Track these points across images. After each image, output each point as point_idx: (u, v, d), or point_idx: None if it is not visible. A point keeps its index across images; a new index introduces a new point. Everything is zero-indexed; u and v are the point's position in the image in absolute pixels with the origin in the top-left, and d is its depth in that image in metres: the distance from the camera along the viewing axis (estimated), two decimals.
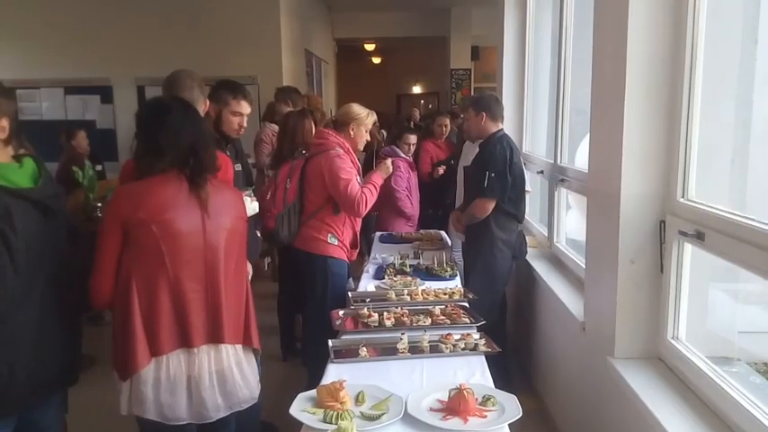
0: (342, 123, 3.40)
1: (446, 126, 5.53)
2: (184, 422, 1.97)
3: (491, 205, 3.42)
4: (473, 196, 3.55)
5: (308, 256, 3.34)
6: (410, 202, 4.79)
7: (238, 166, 2.93)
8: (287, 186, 3.35)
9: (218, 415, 2.02)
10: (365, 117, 3.39)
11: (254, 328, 2.14)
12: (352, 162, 3.33)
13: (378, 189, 3.34)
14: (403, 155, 4.82)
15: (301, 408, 1.91)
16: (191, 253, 1.96)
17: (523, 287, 3.94)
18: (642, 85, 2.13)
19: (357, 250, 3.55)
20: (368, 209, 3.26)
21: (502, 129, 3.58)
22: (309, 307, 3.48)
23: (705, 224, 1.92)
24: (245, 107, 2.84)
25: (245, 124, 2.85)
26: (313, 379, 2.52)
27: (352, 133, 3.36)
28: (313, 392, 1.98)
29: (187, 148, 1.98)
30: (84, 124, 6.64)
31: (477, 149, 3.76)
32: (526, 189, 3.67)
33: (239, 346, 2.09)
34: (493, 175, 3.37)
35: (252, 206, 2.64)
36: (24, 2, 6.80)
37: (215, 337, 2.00)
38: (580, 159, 3.50)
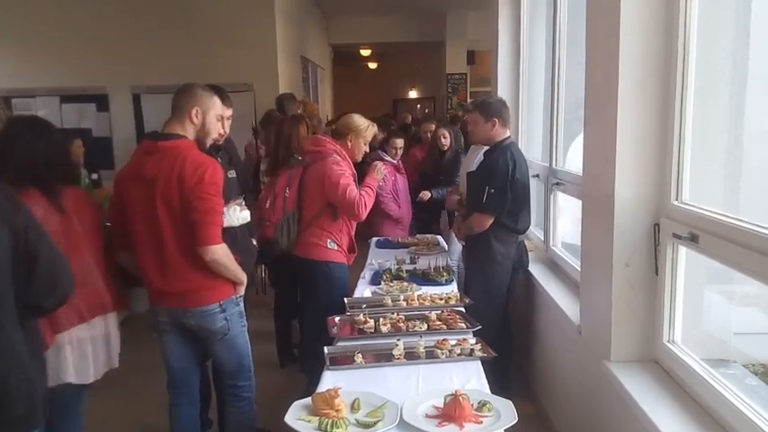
0: (340, 133, 3.43)
1: (431, 132, 5.57)
2: (92, 380, 2.51)
3: (489, 221, 3.40)
4: (472, 209, 3.54)
5: (308, 262, 3.34)
6: (396, 205, 4.77)
7: (232, 173, 2.89)
8: (286, 195, 3.35)
9: (103, 372, 2.55)
10: (364, 129, 3.41)
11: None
12: (349, 169, 3.33)
13: (374, 192, 3.35)
14: (389, 158, 4.82)
15: (296, 416, 1.91)
16: (78, 252, 2.35)
17: (520, 291, 3.93)
18: (635, 89, 2.14)
19: (355, 255, 3.55)
20: (367, 211, 3.27)
21: (510, 136, 3.54)
22: (310, 312, 3.46)
23: (699, 227, 1.93)
24: (225, 110, 2.80)
25: (227, 128, 2.74)
26: (312, 384, 2.51)
27: (349, 144, 3.38)
28: (308, 400, 1.97)
29: (28, 165, 2.30)
30: (80, 132, 6.64)
31: (482, 155, 3.73)
32: None
33: (113, 313, 2.58)
34: (492, 191, 3.33)
35: (242, 215, 2.61)
36: (20, 11, 6.79)
37: (103, 309, 2.51)
38: (571, 161, 3.51)
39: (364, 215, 3.27)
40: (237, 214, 2.56)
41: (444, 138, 5.16)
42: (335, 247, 3.33)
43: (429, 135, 5.55)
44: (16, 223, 1.81)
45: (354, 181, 3.33)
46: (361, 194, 3.23)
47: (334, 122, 7.54)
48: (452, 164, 5.04)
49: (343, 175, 3.23)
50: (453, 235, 4.27)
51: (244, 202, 2.70)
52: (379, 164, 3.54)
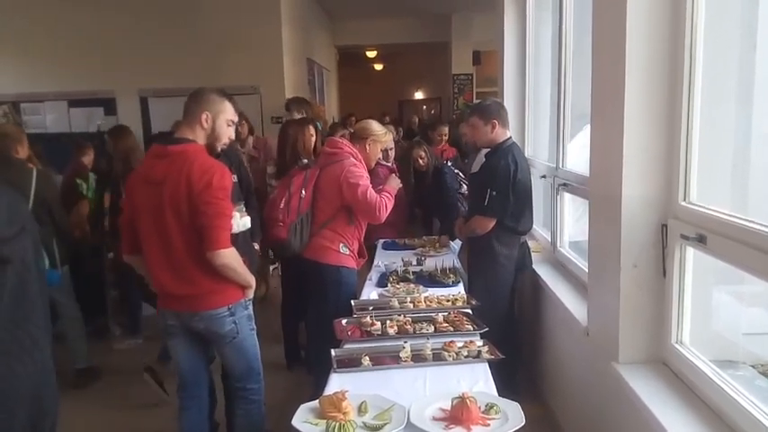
0: (359, 137, 3.46)
1: (445, 135, 5.54)
2: None
3: (491, 223, 3.40)
4: (474, 211, 3.53)
5: (318, 266, 3.32)
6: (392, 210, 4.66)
7: (234, 178, 2.89)
8: (302, 196, 3.34)
9: None
10: (382, 135, 3.48)
11: None
12: (365, 173, 3.36)
13: (393, 198, 3.36)
14: (383, 162, 4.79)
15: (303, 419, 1.91)
16: None
17: (527, 292, 3.93)
18: (642, 89, 2.12)
19: (365, 260, 3.56)
20: (387, 214, 3.28)
21: (510, 137, 3.54)
22: (317, 315, 3.46)
23: (707, 227, 1.91)
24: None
25: (232, 134, 2.66)
26: (319, 387, 2.52)
27: (368, 148, 3.43)
28: (315, 403, 1.98)
29: None
30: (88, 136, 6.68)
31: (483, 157, 3.72)
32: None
33: None
34: (494, 193, 3.33)
35: (242, 222, 2.61)
36: (28, 16, 6.86)
37: None
38: (570, 159, 3.53)
39: (384, 217, 3.27)
40: (238, 221, 2.56)
41: (421, 158, 4.76)
42: (347, 252, 3.32)
43: (442, 137, 5.52)
44: (35, 233, 1.81)
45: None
46: (381, 196, 3.25)
47: (340, 124, 7.56)
48: (437, 180, 4.78)
49: (362, 177, 3.25)
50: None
51: (244, 209, 2.69)
52: (394, 176, 3.58)
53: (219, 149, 2.63)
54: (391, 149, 4.85)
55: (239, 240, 2.61)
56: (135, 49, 6.76)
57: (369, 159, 3.44)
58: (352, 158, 3.32)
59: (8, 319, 1.64)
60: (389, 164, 4.82)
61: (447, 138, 5.63)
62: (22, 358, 1.68)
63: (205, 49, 6.72)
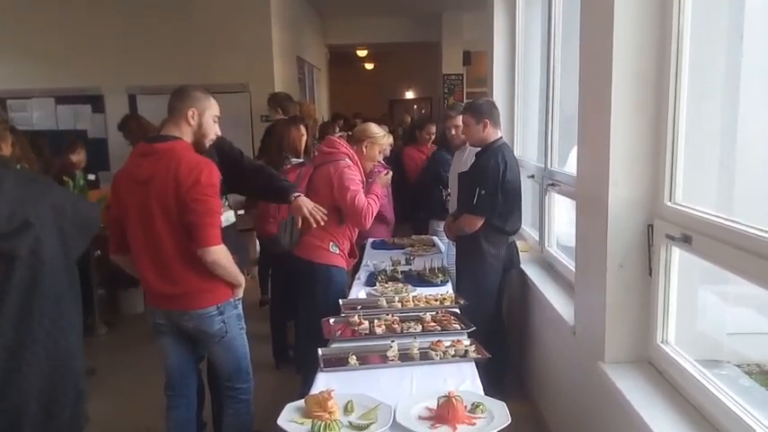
0: (357, 139, 3.48)
1: (432, 134, 5.58)
2: None
3: (479, 222, 3.42)
4: (463, 210, 3.55)
5: (309, 264, 3.33)
6: (388, 207, 4.69)
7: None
8: None
9: None
10: (381, 137, 3.49)
11: None
12: (359, 175, 3.36)
13: (379, 200, 3.37)
14: (382, 164, 4.79)
15: (289, 418, 1.90)
16: None
17: (515, 292, 3.94)
18: (628, 89, 2.13)
19: (355, 260, 3.55)
20: (372, 220, 3.30)
21: (501, 137, 3.55)
22: (306, 313, 3.46)
23: (692, 228, 1.93)
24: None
25: (218, 130, 2.64)
26: (306, 386, 2.51)
27: (365, 150, 3.44)
28: (301, 402, 1.97)
29: None
30: (75, 134, 6.63)
31: (473, 156, 3.74)
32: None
33: None
34: (483, 192, 3.35)
35: (223, 217, 2.59)
36: (15, 13, 6.79)
37: None
38: (571, 165, 3.52)
39: (369, 224, 3.30)
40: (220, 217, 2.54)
41: (430, 135, 5.06)
42: (337, 251, 3.33)
43: (430, 136, 5.56)
44: (65, 227, 1.79)
45: (363, 188, 3.34)
46: (368, 203, 3.25)
47: (330, 124, 7.55)
48: (436, 158, 4.98)
49: (353, 181, 3.25)
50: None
51: (227, 203, 2.67)
52: (384, 173, 3.58)
53: (207, 145, 2.62)
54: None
55: (228, 238, 2.60)
56: (123, 46, 6.71)
57: (365, 161, 3.45)
58: (347, 159, 3.32)
59: (15, 316, 1.63)
60: (383, 163, 4.82)
61: (435, 137, 5.65)
62: (24, 355, 1.68)
63: (195, 46, 6.68)
